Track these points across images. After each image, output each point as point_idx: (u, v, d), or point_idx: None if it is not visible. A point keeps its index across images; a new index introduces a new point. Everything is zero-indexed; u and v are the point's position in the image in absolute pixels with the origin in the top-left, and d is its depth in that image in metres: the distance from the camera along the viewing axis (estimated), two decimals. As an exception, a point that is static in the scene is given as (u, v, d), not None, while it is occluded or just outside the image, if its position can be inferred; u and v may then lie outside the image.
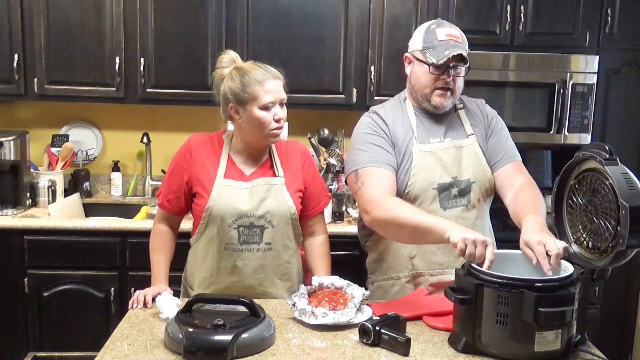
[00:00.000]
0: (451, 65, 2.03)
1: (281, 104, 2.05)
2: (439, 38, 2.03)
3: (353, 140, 2.16)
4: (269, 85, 2.01)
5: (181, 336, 1.64)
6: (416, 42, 2.10)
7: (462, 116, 2.18)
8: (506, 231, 2.22)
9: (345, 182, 2.18)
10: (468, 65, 2.05)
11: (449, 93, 2.07)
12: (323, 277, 1.98)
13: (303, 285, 1.99)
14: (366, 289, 1.97)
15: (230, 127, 2.16)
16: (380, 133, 2.11)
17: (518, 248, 1.83)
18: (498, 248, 2.17)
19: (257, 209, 2.06)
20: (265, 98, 2.00)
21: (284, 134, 3.28)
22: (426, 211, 2.01)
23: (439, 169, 2.09)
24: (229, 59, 2.09)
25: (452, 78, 2.05)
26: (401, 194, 2.08)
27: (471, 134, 2.15)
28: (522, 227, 1.85)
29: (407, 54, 2.15)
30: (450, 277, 2.05)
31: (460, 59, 2.02)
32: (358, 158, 2.09)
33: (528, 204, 1.98)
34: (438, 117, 2.14)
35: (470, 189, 2.12)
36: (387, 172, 2.06)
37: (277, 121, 2.03)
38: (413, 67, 2.12)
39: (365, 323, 1.73)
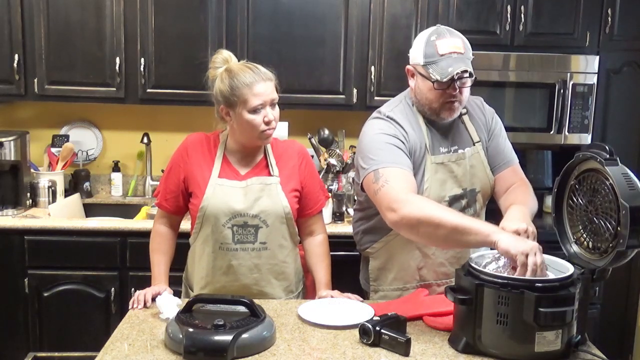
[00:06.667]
0: (456, 77, 1.94)
1: (272, 105, 2.03)
2: (440, 52, 1.94)
3: (368, 140, 2.04)
4: (258, 88, 1.99)
5: (181, 336, 1.64)
6: (417, 55, 2.01)
7: (467, 122, 2.13)
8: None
9: (361, 186, 2.05)
10: (474, 77, 1.98)
11: (456, 104, 2.02)
12: None
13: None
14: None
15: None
16: (399, 137, 2.01)
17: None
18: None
19: (251, 208, 2.06)
20: (253, 101, 1.98)
21: (283, 133, 3.29)
22: None
23: (450, 181, 2.07)
24: (222, 58, 2.07)
25: (458, 90, 1.98)
26: None
27: (477, 141, 2.12)
28: (505, 214, 1.92)
29: (408, 67, 2.07)
30: None
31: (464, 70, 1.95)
32: (378, 157, 1.97)
33: (517, 198, 2.03)
34: (444, 125, 2.09)
35: (476, 198, 2.12)
36: (410, 173, 1.97)
37: (267, 123, 2.01)
38: (417, 81, 2.04)
39: (365, 323, 1.73)
